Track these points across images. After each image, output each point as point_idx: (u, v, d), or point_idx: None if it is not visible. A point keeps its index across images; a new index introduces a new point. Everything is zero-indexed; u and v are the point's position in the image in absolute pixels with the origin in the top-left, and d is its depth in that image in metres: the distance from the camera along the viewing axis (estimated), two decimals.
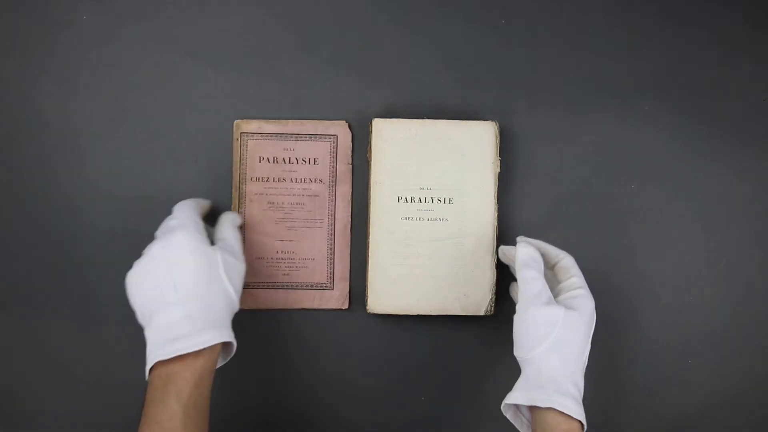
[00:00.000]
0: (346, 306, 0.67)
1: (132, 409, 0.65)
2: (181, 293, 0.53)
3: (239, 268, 0.58)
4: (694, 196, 0.68)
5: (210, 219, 0.63)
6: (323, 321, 0.67)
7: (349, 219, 0.67)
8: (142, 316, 0.54)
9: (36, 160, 0.66)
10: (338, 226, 0.66)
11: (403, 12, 0.67)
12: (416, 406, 0.68)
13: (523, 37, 0.67)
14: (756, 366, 0.68)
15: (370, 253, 0.65)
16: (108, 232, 0.66)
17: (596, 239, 0.67)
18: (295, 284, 0.66)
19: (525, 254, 0.58)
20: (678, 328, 0.68)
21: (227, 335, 0.54)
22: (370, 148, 0.65)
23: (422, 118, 0.65)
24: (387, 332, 0.67)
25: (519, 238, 0.63)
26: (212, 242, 0.58)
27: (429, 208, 0.65)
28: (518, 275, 0.58)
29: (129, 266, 0.55)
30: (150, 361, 0.52)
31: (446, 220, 0.65)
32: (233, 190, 0.66)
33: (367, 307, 0.65)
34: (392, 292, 0.64)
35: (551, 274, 0.61)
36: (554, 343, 0.55)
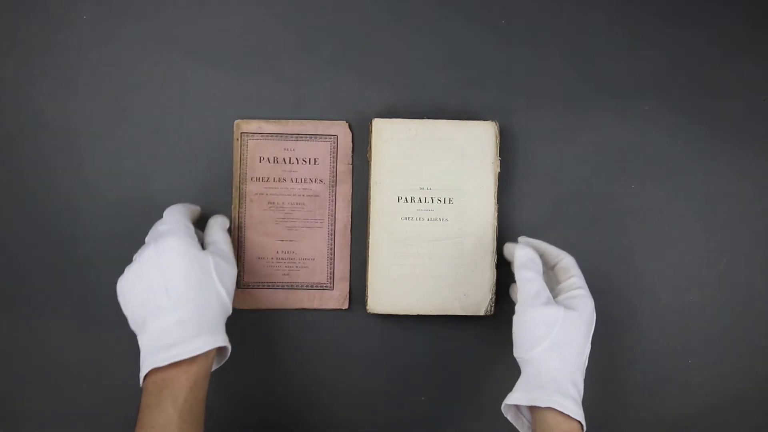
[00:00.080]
0: (346, 306, 0.67)
1: (132, 409, 0.65)
2: (174, 298, 0.52)
3: (231, 272, 0.57)
4: (694, 196, 0.68)
5: (200, 224, 0.63)
6: (323, 321, 0.67)
7: (349, 219, 0.67)
8: (134, 323, 0.54)
9: (36, 160, 0.66)
10: (338, 226, 0.66)
11: (403, 12, 0.67)
12: (416, 406, 0.68)
13: (523, 37, 0.67)
14: (756, 366, 0.68)
15: (370, 253, 0.65)
16: (108, 232, 0.66)
17: (596, 239, 0.67)
18: (295, 284, 0.66)
19: (523, 255, 0.59)
20: (678, 328, 0.68)
21: (221, 340, 0.54)
22: (370, 148, 0.65)
23: (422, 118, 0.65)
24: (387, 332, 0.67)
25: (520, 239, 0.63)
26: (202, 246, 0.58)
27: (429, 208, 0.65)
28: (517, 276, 0.58)
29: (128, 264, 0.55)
30: (145, 368, 0.52)
31: (446, 220, 0.65)
32: (233, 190, 0.66)
33: (367, 307, 0.65)
34: (392, 292, 0.64)
35: (551, 274, 0.62)
36: (554, 343, 0.55)
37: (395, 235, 0.64)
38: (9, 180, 0.66)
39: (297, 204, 0.66)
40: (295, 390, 0.67)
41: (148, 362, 0.52)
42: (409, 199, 0.65)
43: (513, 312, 0.58)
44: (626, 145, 0.67)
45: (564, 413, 0.53)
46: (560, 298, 0.58)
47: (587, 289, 0.58)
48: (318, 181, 0.66)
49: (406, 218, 0.65)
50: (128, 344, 0.64)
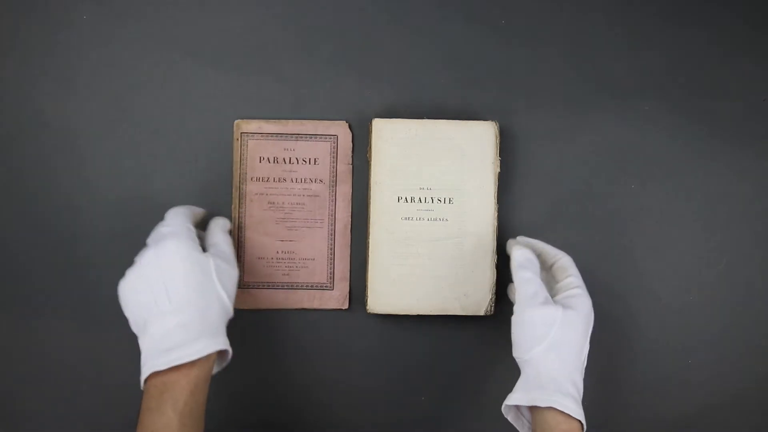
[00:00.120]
0: (346, 306, 0.67)
1: (132, 410, 0.65)
2: (174, 301, 0.52)
3: (232, 274, 0.57)
4: (694, 196, 0.68)
5: (202, 226, 0.63)
6: (323, 321, 0.67)
7: (349, 219, 0.67)
8: (135, 325, 0.54)
9: (36, 160, 0.66)
10: (338, 226, 0.66)
11: (403, 12, 0.67)
12: (416, 406, 0.68)
13: (523, 37, 0.67)
14: (756, 366, 0.68)
15: (370, 253, 0.65)
16: (108, 232, 0.66)
17: (596, 239, 0.67)
18: (295, 284, 0.66)
19: (520, 256, 0.59)
20: (678, 328, 0.68)
21: (222, 343, 0.54)
22: (370, 148, 0.65)
23: (422, 118, 0.65)
24: (387, 332, 0.67)
25: (518, 238, 0.63)
26: (204, 248, 0.58)
27: (429, 208, 0.65)
28: (514, 277, 0.59)
29: (129, 266, 0.55)
30: (145, 372, 0.52)
31: (446, 220, 0.65)
32: (233, 190, 0.66)
33: (367, 307, 0.65)
34: (392, 292, 0.64)
35: (549, 274, 0.62)
36: (552, 342, 0.55)
37: (395, 235, 0.64)
38: (9, 180, 0.66)
39: (297, 204, 0.66)
40: (295, 390, 0.67)
41: (148, 365, 0.52)
42: (409, 199, 0.65)
43: (512, 312, 0.58)
44: (626, 145, 0.67)
45: (564, 413, 0.53)
46: (558, 297, 0.58)
47: (585, 288, 0.58)
48: (318, 181, 0.66)
49: (406, 218, 0.65)
50: (128, 344, 0.64)
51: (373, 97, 0.66)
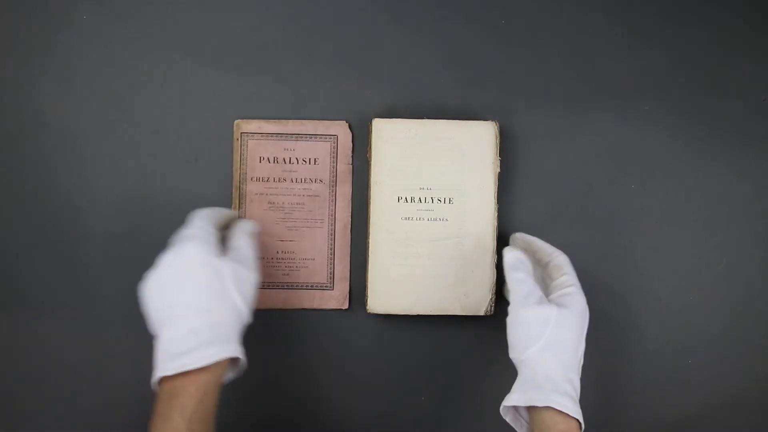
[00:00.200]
0: (346, 306, 0.67)
1: (132, 409, 0.65)
2: (187, 307, 0.52)
3: (250, 278, 0.56)
4: (694, 196, 0.68)
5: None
6: (323, 321, 0.67)
7: (349, 219, 0.67)
8: (153, 326, 0.54)
9: (36, 160, 0.66)
10: (338, 226, 0.66)
11: (403, 12, 0.67)
12: (416, 406, 0.68)
13: (523, 37, 0.67)
14: (756, 366, 0.68)
15: (370, 253, 0.65)
16: (108, 232, 0.66)
17: (596, 239, 0.67)
18: (295, 284, 0.66)
19: (512, 257, 0.59)
20: (678, 328, 0.68)
21: (233, 350, 0.53)
22: (370, 148, 0.65)
23: (422, 118, 0.65)
24: (387, 332, 0.67)
25: (517, 234, 0.64)
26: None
27: (429, 208, 0.65)
28: (507, 278, 0.59)
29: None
30: (155, 375, 0.52)
31: (446, 220, 0.65)
32: (233, 190, 0.66)
33: (367, 307, 0.65)
34: (392, 292, 0.64)
35: (545, 272, 0.62)
36: (548, 342, 0.55)
37: (395, 235, 0.64)
38: (9, 180, 0.66)
39: (297, 204, 0.66)
40: (295, 390, 0.67)
41: (159, 370, 0.51)
42: (409, 199, 0.65)
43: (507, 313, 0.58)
44: (626, 145, 0.67)
45: (562, 412, 0.53)
46: (553, 296, 0.58)
47: (579, 286, 0.58)
48: (318, 181, 0.66)
49: (406, 218, 0.65)
50: (128, 344, 0.65)
51: (373, 97, 0.66)
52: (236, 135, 0.66)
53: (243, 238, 0.59)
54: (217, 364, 0.52)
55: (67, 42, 0.66)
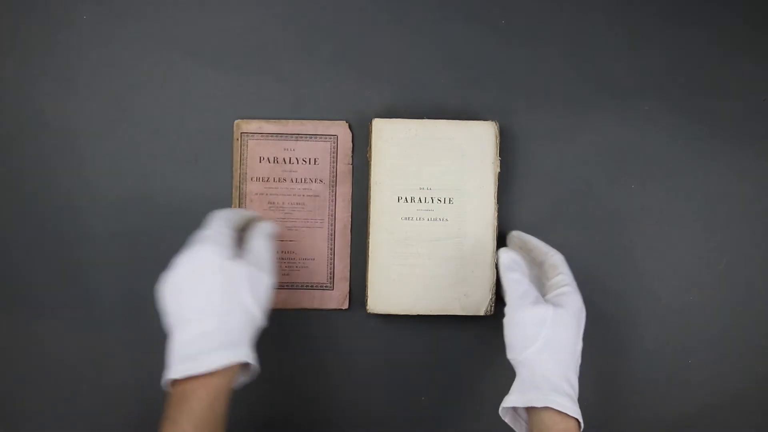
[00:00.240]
0: (346, 306, 0.67)
1: (132, 410, 0.65)
2: (199, 310, 0.52)
3: (265, 281, 0.56)
4: (694, 196, 0.68)
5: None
6: (323, 321, 0.67)
7: (349, 219, 0.67)
8: (168, 327, 0.53)
9: (36, 160, 0.66)
10: (338, 226, 0.66)
11: (403, 12, 0.67)
12: (416, 406, 0.68)
13: (523, 37, 0.67)
14: (756, 366, 0.68)
15: (370, 253, 0.65)
16: (108, 232, 0.66)
17: (596, 239, 0.67)
18: (295, 284, 0.66)
19: (507, 258, 0.59)
20: (678, 328, 0.68)
21: (243, 354, 0.52)
22: (370, 148, 0.65)
23: (422, 118, 0.65)
24: (387, 332, 0.67)
25: (513, 232, 0.64)
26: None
27: (429, 208, 0.65)
28: (503, 279, 0.59)
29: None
30: (165, 378, 0.51)
31: (446, 220, 0.65)
32: (233, 190, 0.66)
33: (367, 307, 0.65)
34: (392, 292, 0.64)
35: (540, 271, 0.62)
36: (545, 342, 0.55)
37: (395, 235, 0.64)
38: (9, 180, 0.66)
39: (297, 204, 0.66)
40: (295, 390, 0.67)
41: (168, 372, 0.51)
42: (409, 199, 0.65)
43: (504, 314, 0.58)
44: (626, 145, 0.67)
45: (561, 412, 0.53)
46: (549, 296, 0.58)
47: (575, 285, 0.58)
48: (318, 181, 0.66)
49: (406, 218, 0.65)
50: (128, 344, 0.65)
51: (373, 97, 0.66)
52: (236, 135, 0.66)
53: (260, 239, 0.58)
54: (227, 369, 0.51)
55: (67, 42, 0.66)
